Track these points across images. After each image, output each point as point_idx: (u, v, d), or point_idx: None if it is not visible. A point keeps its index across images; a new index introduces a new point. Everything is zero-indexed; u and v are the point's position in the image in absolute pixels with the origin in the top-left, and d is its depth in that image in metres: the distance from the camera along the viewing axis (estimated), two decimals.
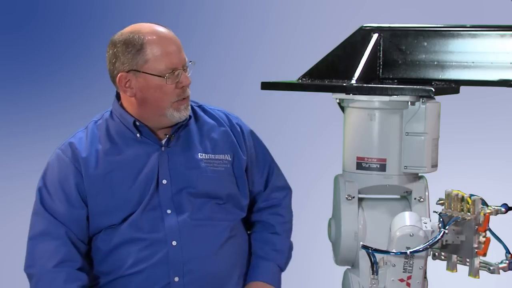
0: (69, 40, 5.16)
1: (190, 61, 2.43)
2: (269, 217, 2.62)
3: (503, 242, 2.19)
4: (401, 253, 2.14)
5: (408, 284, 2.19)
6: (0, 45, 5.20)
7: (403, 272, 2.18)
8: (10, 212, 4.77)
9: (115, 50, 2.39)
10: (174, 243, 2.40)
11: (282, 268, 2.63)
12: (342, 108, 2.45)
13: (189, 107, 2.46)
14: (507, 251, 2.19)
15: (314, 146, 4.60)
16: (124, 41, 2.38)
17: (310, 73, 2.55)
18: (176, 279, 2.40)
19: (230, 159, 2.50)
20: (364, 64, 2.46)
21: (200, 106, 2.58)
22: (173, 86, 2.38)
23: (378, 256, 2.19)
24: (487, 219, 2.16)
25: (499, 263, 2.18)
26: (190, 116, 2.49)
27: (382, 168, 2.34)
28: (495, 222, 2.19)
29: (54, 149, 2.50)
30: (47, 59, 5.19)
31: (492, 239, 2.18)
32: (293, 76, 2.58)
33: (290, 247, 2.66)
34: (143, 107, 2.41)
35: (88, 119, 2.56)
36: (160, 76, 2.36)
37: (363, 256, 2.33)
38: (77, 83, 5.14)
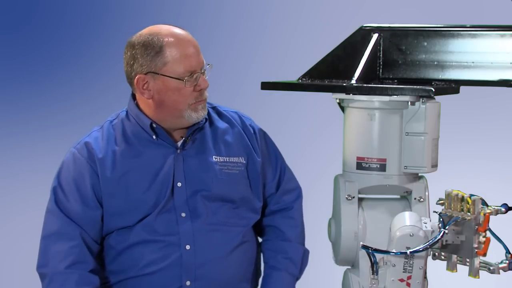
0: (69, 40, 5.15)
1: (208, 64, 2.41)
2: (280, 222, 2.59)
3: (503, 242, 2.20)
4: (401, 253, 2.14)
5: (408, 284, 2.19)
6: (0, 45, 5.19)
7: (403, 272, 2.18)
8: (10, 212, 4.76)
9: (133, 52, 2.37)
10: (187, 247, 2.39)
11: (297, 276, 2.58)
12: (342, 108, 2.45)
13: (206, 108, 2.44)
14: (507, 251, 2.19)
15: (314, 146, 4.59)
16: (143, 43, 2.35)
17: (310, 73, 2.55)
18: (188, 283, 2.39)
19: (244, 161, 2.49)
20: (364, 64, 2.47)
21: (214, 108, 2.56)
22: (191, 89, 2.36)
23: (378, 256, 2.19)
24: (487, 219, 2.16)
25: (499, 263, 2.19)
26: (206, 119, 2.47)
27: (382, 168, 2.34)
28: (495, 222, 2.19)
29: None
30: (47, 59, 5.17)
31: (492, 239, 2.18)
32: (293, 76, 2.58)
33: (305, 253, 2.60)
34: (160, 109, 2.40)
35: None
36: (178, 79, 2.34)
37: (363, 256, 2.33)
38: (77, 83, 5.12)
